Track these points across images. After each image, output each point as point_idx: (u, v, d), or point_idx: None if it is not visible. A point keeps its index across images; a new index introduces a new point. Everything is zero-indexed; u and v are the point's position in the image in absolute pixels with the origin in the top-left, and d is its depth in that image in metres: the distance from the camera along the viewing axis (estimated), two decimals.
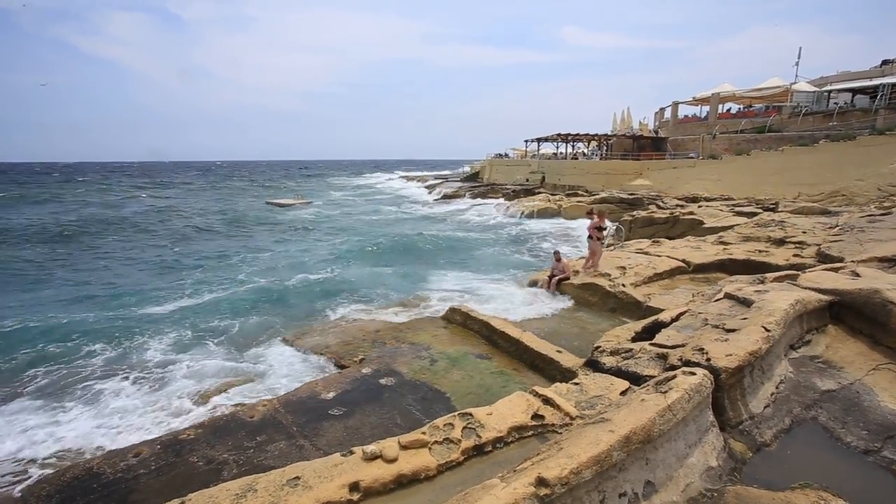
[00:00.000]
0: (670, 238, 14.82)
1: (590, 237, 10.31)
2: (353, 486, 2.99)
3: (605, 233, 10.47)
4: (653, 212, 20.09)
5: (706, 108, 37.06)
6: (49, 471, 4.68)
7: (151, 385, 7.16)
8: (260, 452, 4.82)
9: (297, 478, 3.08)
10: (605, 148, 44.01)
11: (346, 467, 3.12)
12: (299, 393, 5.87)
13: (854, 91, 29.87)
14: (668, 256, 11.11)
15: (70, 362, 8.24)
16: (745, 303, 5.57)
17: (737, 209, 18.50)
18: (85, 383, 7.31)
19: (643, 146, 38.47)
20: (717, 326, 5.05)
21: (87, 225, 27.60)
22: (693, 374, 3.78)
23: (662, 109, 43.94)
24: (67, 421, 6.10)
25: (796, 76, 34.34)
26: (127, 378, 7.42)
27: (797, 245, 11.06)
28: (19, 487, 4.47)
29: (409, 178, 76.87)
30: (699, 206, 20.11)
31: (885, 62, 31.50)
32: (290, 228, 27.14)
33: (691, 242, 12.85)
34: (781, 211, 16.97)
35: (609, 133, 46.02)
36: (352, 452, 3.28)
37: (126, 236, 24.30)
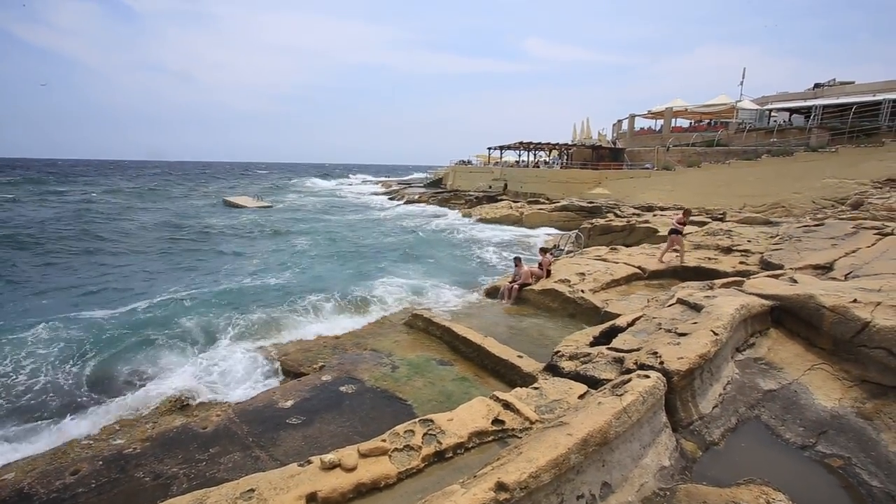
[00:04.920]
0: (627, 245, 15.36)
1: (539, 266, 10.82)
2: (311, 497, 2.91)
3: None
4: (611, 220, 20.76)
5: (661, 122, 38.82)
6: None
7: (98, 393, 6.72)
8: (212, 465, 4.62)
9: (252, 490, 2.97)
10: (565, 157, 45.19)
11: (303, 478, 3.03)
12: (255, 402, 5.68)
13: (791, 111, 32.11)
14: (625, 263, 11.49)
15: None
16: (696, 308, 5.83)
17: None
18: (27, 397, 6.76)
19: (602, 156, 39.77)
20: (669, 331, 5.26)
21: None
22: (647, 377, 3.91)
23: (620, 121, 45.65)
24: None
25: (741, 94, 36.53)
26: (74, 386, 6.92)
27: (742, 253, 11.70)
28: None
29: (373, 183, 76.32)
30: (654, 215, 20.94)
31: (816, 85, 34.01)
32: (245, 230, 26.29)
33: (647, 250, 13.36)
34: (728, 221, 17.91)
35: (569, 143, 47.32)
36: (309, 462, 3.19)
37: (70, 238, 22.81)
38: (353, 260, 18.53)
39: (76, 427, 5.90)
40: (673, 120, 37.39)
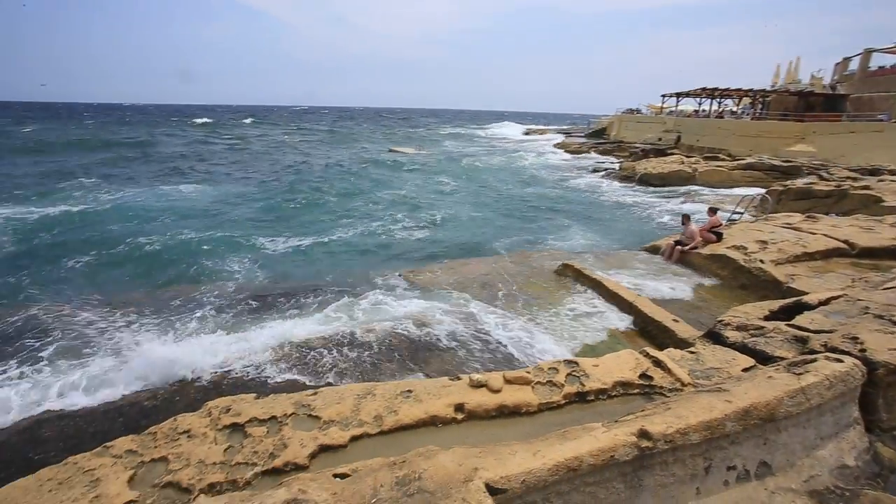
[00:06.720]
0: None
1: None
2: (459, 407, 3.26)
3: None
4: (813, 183, 17.17)
5: None
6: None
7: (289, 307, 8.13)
8: (375, 369, 5.44)
9: (410, 391, 3.44)
10: (759, 106, 37.99)
11: (453, 389, 3.39)
12: (413, 322, 6.39)
13: None
14: (824, 235, 9.54)
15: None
16: None
17: None
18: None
19: (812, 105, 32.50)
20: (881, 317, 4.34)
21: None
22: (840, 360, 3.35)
23: (847, 59, 36.16)
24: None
25: None
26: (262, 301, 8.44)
27: None
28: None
29: (530, 131, 74.71)
30: (879, 181, 16.65)
31: None
32: (408, 175, 28.33)
33: (860, 222, 10.83)
34: None
35: (767, 89, 39.46)
36: (459, 378, 3.55)
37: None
38: (508, 207, 18.83)
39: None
40: None
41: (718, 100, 40.61)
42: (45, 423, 4.73)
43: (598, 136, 50.60)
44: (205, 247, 11.95)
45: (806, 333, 4.28)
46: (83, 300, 8.07)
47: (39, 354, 6.04)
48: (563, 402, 3.35)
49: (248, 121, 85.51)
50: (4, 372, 5.67)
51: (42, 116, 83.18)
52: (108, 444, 2.99)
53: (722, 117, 38.56)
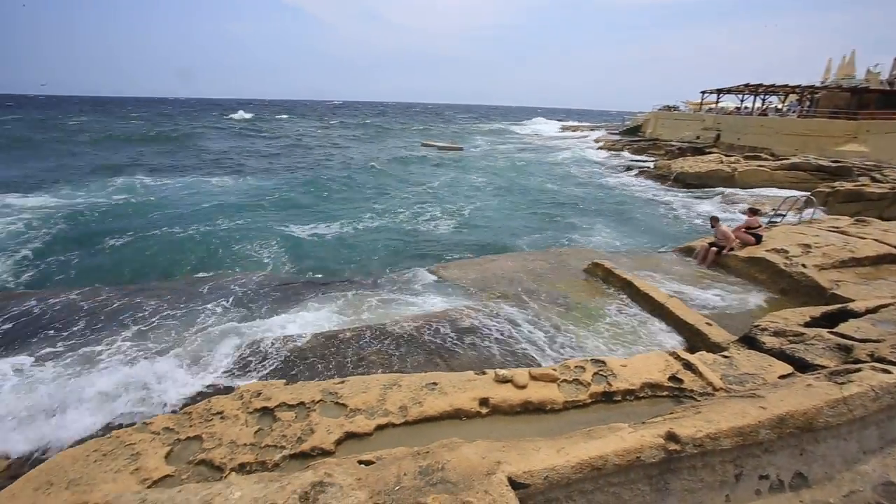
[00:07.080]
0: (884, 219, 11.98)
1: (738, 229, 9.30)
2: (483, 401, 3.27)
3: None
4: (864, 185, 16.28)
5: None
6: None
7: (313, 298, 8.29)
8: (401, 361, 5.48)
9: (435, 383, 3.47)
10: (807, 103, 36.18)
11: (478, 384, 3.40)
12: (439, 316, 6.42)
13: None
14: (875, 240, 9.04)
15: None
16: None
17: None
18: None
19: (866, 102, 30.71)
20: None
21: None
22: (887, 371, 3.18)
23: None
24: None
25: None
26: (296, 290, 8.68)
27: None
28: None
29: (565, 129, 73.57)
30: None
31: None
32: (440, 170, 28.38)
33: None
34: None
35: (817, 85, 37.51)
36: (485, 373, 3.55)
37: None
38: (539, 204, 18.67)
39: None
40: None
41: (762, 96, 38.94)
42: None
43: (633, 134, 49.41)
44: (237, 236, 12.36)
45: (850, 342, 4.09)
46: (119, 285, 8.52)
47: (57, 339, 6.32)
48: (589, 401, 3.32)
49: (283, 116, 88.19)
50: (52, 350, 6.02)
51: (90, 109, 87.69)
52: (148, 420, 3.15)
53: (765, 115, 36.91)
